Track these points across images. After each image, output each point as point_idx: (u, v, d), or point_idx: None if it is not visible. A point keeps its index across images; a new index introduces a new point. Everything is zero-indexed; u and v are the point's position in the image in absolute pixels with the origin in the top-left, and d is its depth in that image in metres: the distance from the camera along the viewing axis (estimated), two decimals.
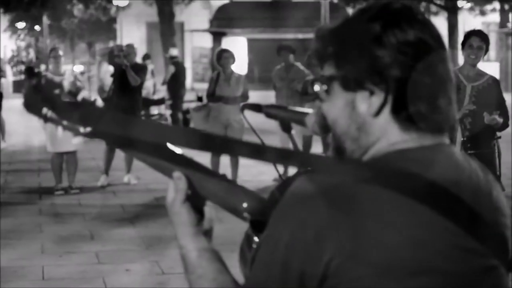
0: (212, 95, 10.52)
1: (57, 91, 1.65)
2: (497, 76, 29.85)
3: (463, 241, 1.45)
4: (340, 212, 1.38)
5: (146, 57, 20.12)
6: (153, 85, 19.14)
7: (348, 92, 1.50)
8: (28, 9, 27.44)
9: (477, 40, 6.29)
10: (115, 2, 27.79)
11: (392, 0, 1.53)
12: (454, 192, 1.44)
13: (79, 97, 1.83)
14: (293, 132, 2.11)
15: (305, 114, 1.96)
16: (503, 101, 6.41)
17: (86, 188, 10.50)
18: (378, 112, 1.48)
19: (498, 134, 6.53)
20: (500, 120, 6.24)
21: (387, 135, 1.50)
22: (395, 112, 1.48)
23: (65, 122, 1.63)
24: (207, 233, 1.67)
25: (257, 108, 2.08)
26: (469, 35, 6.34)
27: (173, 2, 24.40)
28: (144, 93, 13.18)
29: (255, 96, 20.24)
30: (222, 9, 31.85)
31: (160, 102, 18.12)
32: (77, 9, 30.88)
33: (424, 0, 24.92)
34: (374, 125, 1.50)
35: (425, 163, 1.46)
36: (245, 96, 10.56)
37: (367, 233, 1.38)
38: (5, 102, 15.19)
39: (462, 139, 6.35)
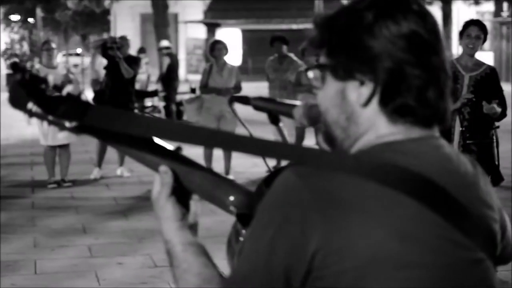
0: (205, 87, 10.51)
1: (42, 86, 1.64)
2: (491, 64, 29.98)
3: (449, 234, 1.44)
4: (326, 205, 1.37)
5: (141, 50, 20.04)
6: (147, 77, 19.11)
7: (339, 81, 1.50)
8: (22, 1, 27.42)
9: (475, 30, 6.27)
10: None
11: None
12: (441, 185, 1.43)
13: (64, 92, 1.80)
14: (281, 124, 2.10)
15: (293, 106, 1.96)
16: (501, 90, 6.40)
17: (79, 181, 10.48)
18: (367, 103, 1.47)
19: (497, 123, 6.51)
20: (499, 109, 6.22)
21: (375, 126, 1.49)
22: (382, 103, 1.47)
23: (50, 117, 1.62)
24: (192, 227, 1.66)
25: (244, 100, 2.08)
26: (467, 24, 6.32)
27: None
28: (138, 85, 13.17)
29: (250, 87, 20.25)
30: (216, 0, 31.82)
31: (153, 94, 18.10)
32: (71, 1, 30.81)
33: None
34: (363, 115, 1.49)
35: (412, 155, 1.45)
36: (238, 88, 10.55)
37: (353, 226, 1.37)
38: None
39: (460, 129, 6.34)
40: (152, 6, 23.71)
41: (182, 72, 28.95)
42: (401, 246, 1.38)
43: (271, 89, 11.02)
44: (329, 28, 1.52)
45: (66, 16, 31.63)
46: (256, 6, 31.15)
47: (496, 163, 6.45)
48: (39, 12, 30.48)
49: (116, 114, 1.58)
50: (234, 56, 31.11)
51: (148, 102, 18.03)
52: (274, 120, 2.03)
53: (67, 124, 1.62)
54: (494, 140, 6.43)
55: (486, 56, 30.76)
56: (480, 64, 6.43)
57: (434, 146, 1.51)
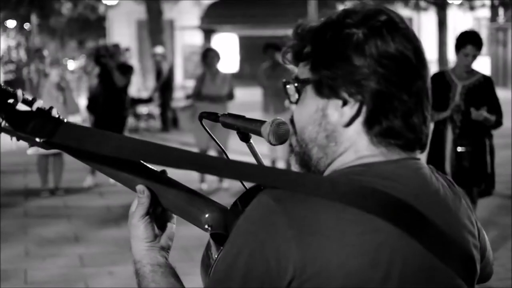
0: (198, 95, 10.49)
1: (10, 101, 1.61)
2: (488, 71, 29.92)
3: (427, 261, 1.42)
4: (302, 232, 1.34)
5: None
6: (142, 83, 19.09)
7: (321, 98, 1.45)
8: (16, 7, 27.35)
9: (472, 50, 6.26)
10: (104, 1, 27.68)
11: (379, 8, 1.46)
12: (419, 210, 1.40)
13: (34, 107, 1.78)
14: (251, 141, 2.06)
15: (261, 123, 1.92)
16: (495, 99, 6.37)
17: (72, 189, 10.45)
18: (349, 123, 1.44)
19: (493, 132, 6.50)
20: (491, 117, 6.23)
21: (355, 146, 1.45)
22: (367, 125, 1.43)
23: (19, 133, 1.60)
24: (164, 249, 1.65)
25: (213, 117, 2.04)
26: (465, 41, 6.28)
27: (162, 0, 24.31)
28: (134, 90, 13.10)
29: (246, 93, 20.19)
30: (212, 6, 31.78)
31: (148, 101, 18.07)
32: (66, 8, 30.76)
33: None
34: (344, 135, 1.45)
35: (390, 178, 1.42)
36: (231, 95, 10.54)
37: (328, 254, 1.34)
38: None
39: (453, 136, 6.34)
40: (147, 12, 23.67)
41: (179, 78, 28.89)
42: (377, 274, 1.36)
43: (264, 96, 11.00)
44: (314, 41, 1.46)
45: (61, 23, 31.59)
46: (252, 12, 31.10)
47: (489, 171, 6.43)
48: (34, 18, 30.44)
49: (88, 133, 1.57)
50: (231, 62, 31.08)
51: (144, 109, 18.00)
52: (244, 137, 1.99)
53: (38, 139, 1.60)
54: (487, 149, 6.42)
55: (482, 62, 30.76)
56: (474, 73, 6.42)
57: (413, 169, 1.47)
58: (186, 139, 14.09)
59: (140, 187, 1.60)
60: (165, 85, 17.35)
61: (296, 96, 1.49)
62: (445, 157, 6.33)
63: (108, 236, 7.96)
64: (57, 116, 1.60)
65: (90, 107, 11.24)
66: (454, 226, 1.48)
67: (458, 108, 6.26)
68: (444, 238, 1.44)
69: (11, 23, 31.33)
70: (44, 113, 1.61)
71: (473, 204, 6.36)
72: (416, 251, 1.39)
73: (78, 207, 9.50)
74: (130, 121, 16.64)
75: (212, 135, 2.01)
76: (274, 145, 1.90)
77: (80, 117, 14.06)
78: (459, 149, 6.32)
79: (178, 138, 15.43)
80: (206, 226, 1.64)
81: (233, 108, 11.62)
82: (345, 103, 1.42)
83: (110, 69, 10.49)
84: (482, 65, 31.40)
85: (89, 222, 8.64)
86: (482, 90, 6.34)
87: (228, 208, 1.69)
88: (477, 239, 1.55)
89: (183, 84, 28.10)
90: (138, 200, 1.61)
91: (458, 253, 1.47)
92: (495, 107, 6.31)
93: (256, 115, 10.46)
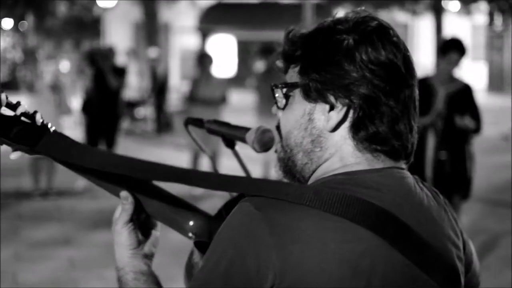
0: (192, 98, 10.49)
1: None
2: (485, 76, 29.97)
3: (409, 271, 1.40)
4: (283, 240, 1.33)
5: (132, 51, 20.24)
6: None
7: (308, 102, 1.45)
8: (12, 7, 27.32)
9: (455, 55, 6.35)
10: (100, 3, 27.66)
11: (370, 16, 1.48)
12: (402, 219, 1.39)
13: (18, 111, 1.74)
14: (237, 148, 2.06)
15: (246, 130, 1.92)
16: (475, 106, 6.49)
17: (65, 191, 10.40)
18: (336, 128, 1.44)
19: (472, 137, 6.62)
20: (472, 124, 6.33)
21: (341, 152, 1.45)
22: (354, 130, 1.43)
23: (2, 138, 1.57)
24: (148, 257, 1.64)
25: (199, 123, 2.05)
26: (448, 47, 6.37)
27: (158, 1, 24.27)
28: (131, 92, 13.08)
29: (242, 97, 20.22)
30: (209, 9, 31.80)
31: (141, 103, 18.07)
32: (62, 10, 30.74)
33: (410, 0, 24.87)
34: (330, 140, 1.45)
35: (374, 187, 1.41)
36: (224, 99, 10.53)
37: (309, 262, 1.33)
38: None
39: (434, 142, 6.38)
40: (144, 14, 23.66)
41: (175, 79, 28.88)
42: (358, 283, 1.35)
43: (260, 100, 10.99)
44: (304, 46, 1.47)
45: (57, 24, 31.57)
46: (249, 17, 31.12)
47: (468, 177, 6.51)
48: (29, 19, 30.43)
49: (71, 145, 1.57)
50: (228, 64, 31.11)
51: (140, 112, 18.00)
52: (229, 143, 2.00)
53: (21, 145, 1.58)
54: (467, 155, 6.50)
55: (479, 68, 30.84)
56: (456, 80, 6.51)
57: (397, 178, 1.46)
58: (180, 141, 14.10)
59: (124, 194, 1.60)
60: (159, 88, 17.35)
61: (284, 101, 1.50)
62: (425, 162, 6.36)
63: (99, 240, 7.92)
64: (41, 121, 1.58)
65: (84, 109, 11.22)
66: (438, 237, 1.47)
67: (440, 114, 6.30)
68: (428, 248, 1.42)
69: (7, 24, 31.27)
70: (29, 118, 1.58)
71: (456, 210, 6.41)
72: (399, 261, 1.38)
73: (70, 209, 9.46)
74: (126, 123, 16.65)
75: (198, 140, 2.02)
76: (258, 152, 1.90)
77: (73, 118, 14.05)
78: (441, 155, 6.37)
79: (172, 140, 15.45)
80: (190, 234, 1.64)
81: (228, 111, 11.65)
82: (332, 107, 1.43)
83: (104, 71, 10.48)
84: (479, 71, 31.61)
85: (81, 225, 8.61)
86: (463, 97, 6.43)
87: (213, 216, 1.68)
88: (462, 251, 1.54)
89: (180, 86, 28.14)
90: (122, 206, 1.60)
91: (442, 264, 1.45)
92: (475, 114, 6.41)
93: (251, 118, 10.44)
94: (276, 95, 1.51)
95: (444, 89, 6.37)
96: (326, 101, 1.43)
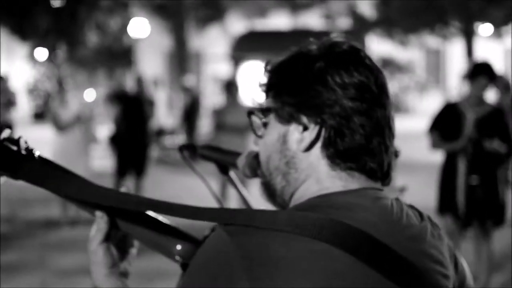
0: (220, 126, 10.51)
1: None
2: None
3: None
4: (254, 264, 1.34)
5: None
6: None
7: (282, 125, 1.48)
8: (44, 38, 27.71)
9: (484, 80, 6.31)
10: (131, 34, 27.96)
11: (343, 40, 1.51)
12: (379, 239, 1.38)
13: (1, 136, 1.74)
14: (231, 173, 2.06)
15: (238, 155, 1.92)
16: (506, 130, 6.41)
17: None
18: (309, 148, 1.45)
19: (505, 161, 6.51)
20: (502, 147, 6.24)
21: (317, 173, 1.46)
22: (326, 148, 1.44)
23: None
24: (124, 275, 1.66)
25: (192, 149, 2.06)
26: (477, 72, 6.33)
27: (188, 30, 24.49)
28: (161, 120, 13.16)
29: None
30: (242, 37, 32.01)
31: (172, 132, 18.17)
32: (93, 40, 31.12)
33: (440, 22, 24.75)
34: (304, 161, 1.47)
35: (348, 208, 1.41)
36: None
37: (280, 284, 1.32)
38: (24, 133, 15.19)
39: (465, 168, 6.30)
40: (175, 43, 23.86)
41: (208, 107, 29.04)
42: None
43: None
44: (278, 72, 1.51)
45: (88, 55, 31.92)
46: (281, 44, 31.23)
47: (501, 202, 6.39)
48: (62, 49, 30.81)
49: (52, 173, 1.58)
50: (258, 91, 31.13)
51: (170, 141, 18.08)
52: (223, 169, 2.00)
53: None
54: (501, 178, 6.40)
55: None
56: (485, 103, 6.46)
57: (372, 198, 1.46)
58: (209, 169, 14.05)
59: (98, 213, 1.60)
60: (190, 116, 17.44)
61: (263, 129, 1.52)
62: (457, 189, 6.27)
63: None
64: (25, 147, 1.58)
65: (113, 138, 11.28)
66: (419, 256, 1.44)
67: (471, 139, 6.21)
68: (406, 266, 1.40)
69: (41, 54, 31.66)
70: (14, 143, 1.59)
71: (487, 236, 6.31)
72: (375, 280, 1.37)
73: None
74: (156, 152, 16.72)
75: (195, 167, 2.04)
76: (249, 177, 1.90)
77: (102, 147, 14.13)
78: (472, 180, 6.29)
79: (202, 169, 15.34)
80: (177, 257, 1.64)
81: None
82: (305, 128, 1.45)
83: (141, 101, 10.70)
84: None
85: None
86: (493, 121, 6.37)
87: (200, 239, 1.68)
88: (449, 269, 1.51)
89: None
90: (97, 225, 1.60)
91: (421, 282, 1.43)
92: (506, 138, 6.32)
93: None
94: (254, 122, 1.55)
95: (473, 113, 6.32)
96: (299, 122, 1.45)
